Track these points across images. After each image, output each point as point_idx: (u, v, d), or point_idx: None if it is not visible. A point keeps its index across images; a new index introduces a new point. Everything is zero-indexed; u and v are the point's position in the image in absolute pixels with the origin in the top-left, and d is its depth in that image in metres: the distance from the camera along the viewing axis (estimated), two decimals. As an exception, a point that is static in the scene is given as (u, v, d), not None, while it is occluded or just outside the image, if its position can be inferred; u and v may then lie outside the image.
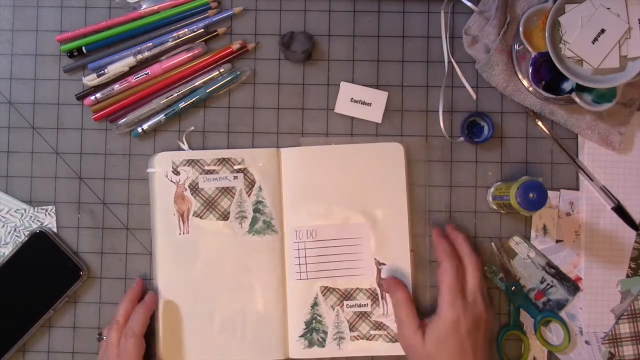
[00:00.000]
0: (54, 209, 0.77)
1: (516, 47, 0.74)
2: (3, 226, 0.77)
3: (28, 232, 0.75)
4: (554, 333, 0.76)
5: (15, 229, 0.76)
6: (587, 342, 0.75)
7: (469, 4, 0.75)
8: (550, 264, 0.76)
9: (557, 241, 0.76)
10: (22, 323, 0.74)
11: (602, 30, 0.71)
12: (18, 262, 0.75)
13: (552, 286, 0.76)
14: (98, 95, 0.77)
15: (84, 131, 0.78)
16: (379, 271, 0.75)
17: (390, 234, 0.75)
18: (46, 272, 0.75)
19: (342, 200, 0.75)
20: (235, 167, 0.76)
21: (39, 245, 0.75)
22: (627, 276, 0.76)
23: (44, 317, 0.75)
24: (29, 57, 0.78)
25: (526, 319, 0.75)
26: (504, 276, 0.75)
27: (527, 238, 0.76)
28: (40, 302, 0.75)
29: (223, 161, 0.76)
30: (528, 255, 0.75)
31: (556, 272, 0.75)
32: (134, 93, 0.77)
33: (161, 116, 0.77)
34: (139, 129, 0.77)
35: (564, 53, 0.72)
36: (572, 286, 0.75)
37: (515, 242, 0.76)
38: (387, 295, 0.75)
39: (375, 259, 0.75)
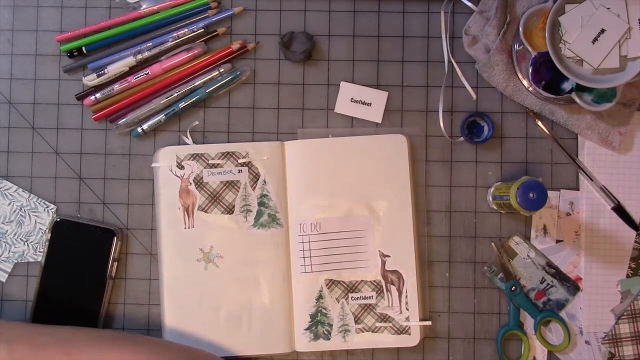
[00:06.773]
0: (55, 208, 0.77)
1: (516, 47, 0.74)
2: (9, 204, 0.77)
3: (47, 227, 0.76)
4: (554, 333, 0.76)
5: (21, 209, 0.76)
6: (587, 342, 0.75)
7: (469, 4, 0.75)
8: (550, 264, 0.75)
9: (557, 241, 0.76)
10: (94, 302, 0.75)
11: (602, 30, 0.71)
12: (56, 254, 0.75)
13: (552, 286, 0.75)
14: (98, 95, 0.77)
15: (84, 131, 0.78)
16: (383, 263, 0.75)
17: (394, 225, 0.75)
18: (84, 249, 0.75)
19: (346, 193, 0.75)
20: (239, 161, 0.76)
21: (64, 232, 0.75)
22: (627, 276, 0.76)
23: (107, 290, 0.75)
24: (29, 57, 0.78)
25: (526, 319, 0.75)
26: (504, 276, 0.75)
27: (527, 238, 0.76)
28: (97, 277, 0.75)
29: (227, 155, 0.76)
30: (528, 255, 0.75)
31: (556, 272, 0.75)
32: (134, 93, 0.77)
33: (161, 116, 0.77)
34: (139, 129, 0.77)
35: (564, 53, 0.72)
36: (572, 286, 0.75)
37: (515, 242, 0.76)
38: (392, 287, 0.75)
39: (379, 251, 0.75)
